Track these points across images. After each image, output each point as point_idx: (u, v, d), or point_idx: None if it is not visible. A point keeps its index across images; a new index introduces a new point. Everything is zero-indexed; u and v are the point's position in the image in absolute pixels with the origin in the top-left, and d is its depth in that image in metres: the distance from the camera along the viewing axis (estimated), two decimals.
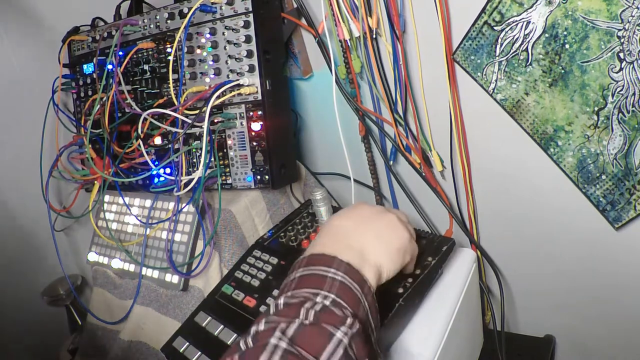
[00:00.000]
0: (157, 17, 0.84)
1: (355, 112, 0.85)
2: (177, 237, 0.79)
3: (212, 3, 0.77)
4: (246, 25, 0.75)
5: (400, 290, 0.58)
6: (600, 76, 0.63)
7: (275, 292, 0.64)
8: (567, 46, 0.64)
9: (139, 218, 0.86)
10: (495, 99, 0.73)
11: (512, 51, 0.68)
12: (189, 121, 0.76)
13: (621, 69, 0.61)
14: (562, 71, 0.66)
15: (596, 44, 0.62)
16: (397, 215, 0.58)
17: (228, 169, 0.82)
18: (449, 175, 0.85)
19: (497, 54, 0.70)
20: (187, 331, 0.66)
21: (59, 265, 0.96)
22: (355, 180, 0.87)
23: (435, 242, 0.65)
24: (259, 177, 0.79)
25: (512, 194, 0.81)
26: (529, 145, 0.74)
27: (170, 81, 0.80)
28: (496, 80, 0.72)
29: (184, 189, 0.76)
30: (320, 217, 0.73)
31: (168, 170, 0.82)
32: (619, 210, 0.70)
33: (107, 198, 0.94)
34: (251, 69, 0.76)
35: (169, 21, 0.83)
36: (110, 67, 0.84)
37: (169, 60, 0.83)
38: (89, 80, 0.97)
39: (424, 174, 0.85)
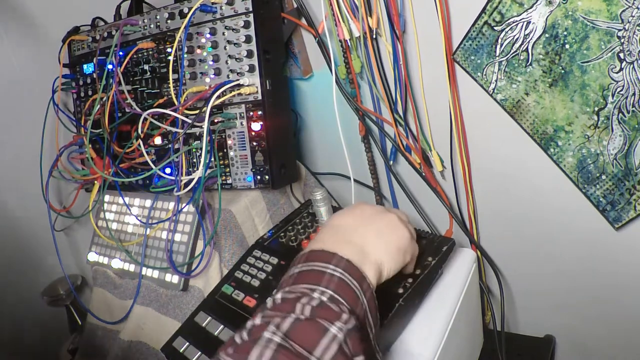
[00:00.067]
0: (157, 17, 0.84)
1: (355, 112, 0.85)
2: (177, 237, 0.79)
3: (212, 3, 0.77)
4: (246, 25, 0.75)
5: (400, 291, 0.58)
6: (600, 76, 0.63)
7: None
8: (567, 46, 0.64)
9: (139, 218, 0.86)
10: (495, 99, 0.73)
11: (512, 51, 0.68)
12: (189, 121, 0.76)
13: (621, 69, 0.61)
14: (562, 71, 0.66)
15: (596, 44, 0.62)
16: (397, 214, 0.58)
17: (228, 169, 0.82)
18: (449, 175, 0.85)
19: (497, 54, 0.70)
20: (187, 331, 0.66)
21: (59, 265, 0.96)
22: (355, 180, 0.87)
23: (435, 242, 0.65)
24: (259, 177, 0.79)
25: (512, 194, 0.81)
26: (529, 145, 0.74)
27: (170, 81, 0.80)
28: (496, 81, 0.72)
29: (184, 189, 0.76)
30: (320, 217, 0.73)
31: (168, 170, 0.82)
32: (619, 210, 0.70)
33: (107, 198, 0.94)
34: (251, 69, 0.76)
35: (169, 21, 0.83)
36: (110, 67, 0.84)
37: (169, 60, 0.83)
38: (89, 80, 0.97)
39: (424, 174, 0.85)
